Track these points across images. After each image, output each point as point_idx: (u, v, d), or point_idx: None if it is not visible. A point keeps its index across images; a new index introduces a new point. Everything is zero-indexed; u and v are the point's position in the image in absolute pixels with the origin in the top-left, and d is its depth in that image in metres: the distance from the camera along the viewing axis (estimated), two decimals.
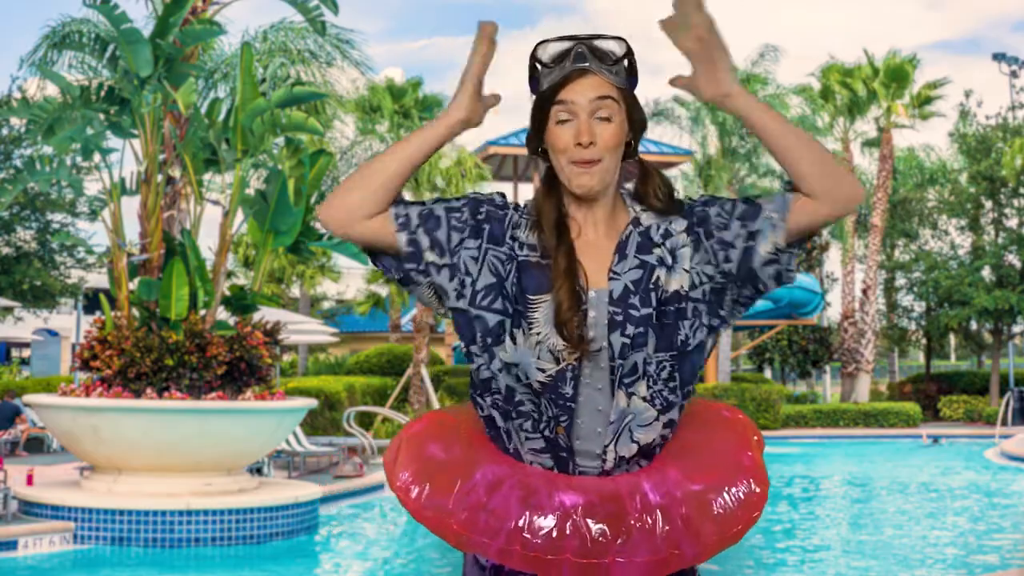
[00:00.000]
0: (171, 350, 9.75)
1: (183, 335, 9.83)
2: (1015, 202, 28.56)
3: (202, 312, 10.22)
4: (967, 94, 31.06)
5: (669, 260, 1.95)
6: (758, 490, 1.96)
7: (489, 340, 1.95)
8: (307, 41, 13.47)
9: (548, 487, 1.90)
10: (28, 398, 10.63)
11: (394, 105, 26.95)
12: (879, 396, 31.56)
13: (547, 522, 1.85)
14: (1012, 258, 27.73)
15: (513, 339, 1.92)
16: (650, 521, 1.87)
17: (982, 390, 29.42)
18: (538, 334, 1.91)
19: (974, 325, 30.62)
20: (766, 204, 1.95)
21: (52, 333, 29.60)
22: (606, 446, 1.94)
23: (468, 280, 1.96)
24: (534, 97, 1.98)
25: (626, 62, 1.95)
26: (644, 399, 1.93)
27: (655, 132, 27.00)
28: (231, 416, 9.73)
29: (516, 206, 2.02)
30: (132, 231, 10.63)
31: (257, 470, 12.62)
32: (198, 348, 9.82)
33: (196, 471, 9.60)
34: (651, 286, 1.94)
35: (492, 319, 1.94)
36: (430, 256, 1.96)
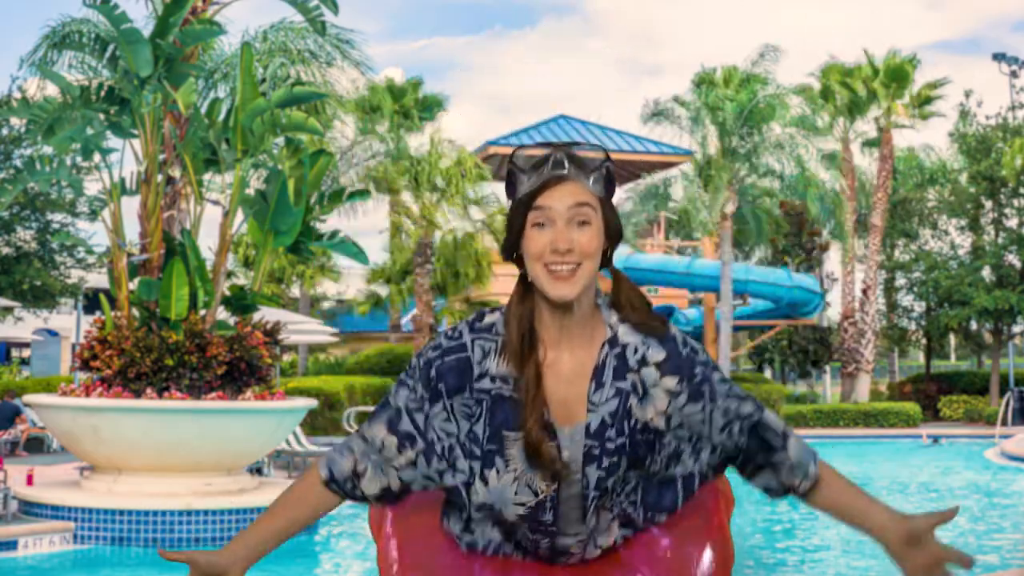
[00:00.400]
0: (171, 350, 9.75)
1: (183, 335, 9.83)
2: (1015, 202, 28.56)
3: (202, 312, 10.22)
4: (967, 94, 31.09)
5: (640, 390, 1.94)
6: (725, 559, 2.09)
7: (468, 503, 1.99)
8: (307, 41, 13.46)
9: None
10: (28, 398, 10.63)
11: (394, 105, 26.96)
12: (879, 396, 31.57)
13: None
14: (1012, 258, 27.74)
15: (485, 481, 1.93)
16: None
17: (982, 390, 29.43)
18: (515, 470, 1.92)
19: (974, 325, 30.64)
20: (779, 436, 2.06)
21: (52, 333, 29.61)
22: (571, 554, 2.02)
23: (453, 442, 1.97)
24: (510, 203, 1.98)
25: (604, 170, 1.95)
26: (608, 509, 1.99)
27: (655, 132, 27.01)
28: (231, 416, 9.73)
29: (486, 330, 1.98)
30: (132, 231, 10.64)
31: (257, 470, 12.62)
32: (198, 348, 9.82)
33: (196, 471, 9.60)
34: (624, 414, 1.93)
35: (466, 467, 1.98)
36: (402, 459, 2.00)
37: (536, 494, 1.92)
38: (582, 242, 1.89)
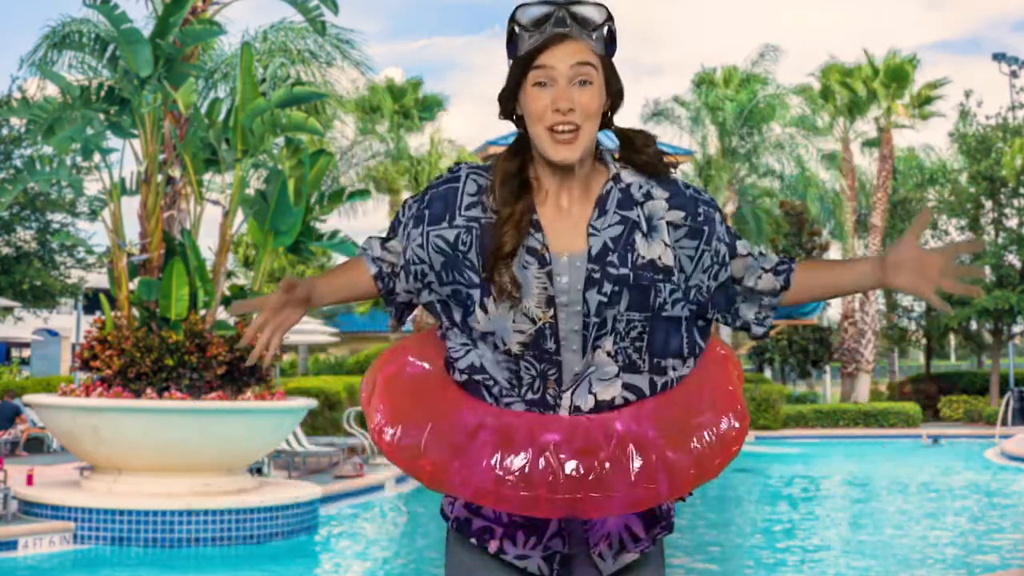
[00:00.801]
0: (171, 350, 9.75)
1: (183, 335, 9.83)
2: (1015, 202, 28.56)
3: (202, 312, 10.22)
4: (967, 94, 31.06)
5: (645, 225, 1.94)
6: (737, 425, 1.95)
7: (458, 318, 1.95)
8: (307, 41, 13.47)
9: (526, 428, 1.88)
10: (28, 398, 10.63)
11: (394, 105, 26.96)
12: (879, 396, 31.56)
13: (519, 461, 1.84)
14: (1012, 258, 27.74)
15: (484, 308, 1.90)
16: (624, 456, 1.85)
17: (982, 390, 29.43)
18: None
19: (974, 325, 30.63)
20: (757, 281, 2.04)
21: (52, 333, 29.61)
22: (562, 391, 1.91)
23: (425, 268, 1.98)
24: (511, 61, 1.95)
25: (606, 29, 1.92)
26: (608, 353, 1.90)
27: (655, 132, 26.89)
28: (231, 416, 9.73)
29: (485, 169, 2.00)
30: (132, 231, 10.64)
31: (257, 470, 12.62)
32: (198, 348, 9.82)
33: (196, 471, 9.60)
34: (628, 242, 1.92)
35: (460, 292, 1.94)
36: (389, 265, 2.04)
37: (533, 321, 1.89)
38: (584, 102, 1.88)
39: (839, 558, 9.75)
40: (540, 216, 1.93)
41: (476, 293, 1.92)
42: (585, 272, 1.89)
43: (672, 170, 2.02)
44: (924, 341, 33.02)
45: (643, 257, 1.91)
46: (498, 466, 1.84)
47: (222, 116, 10.67)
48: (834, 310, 34.23)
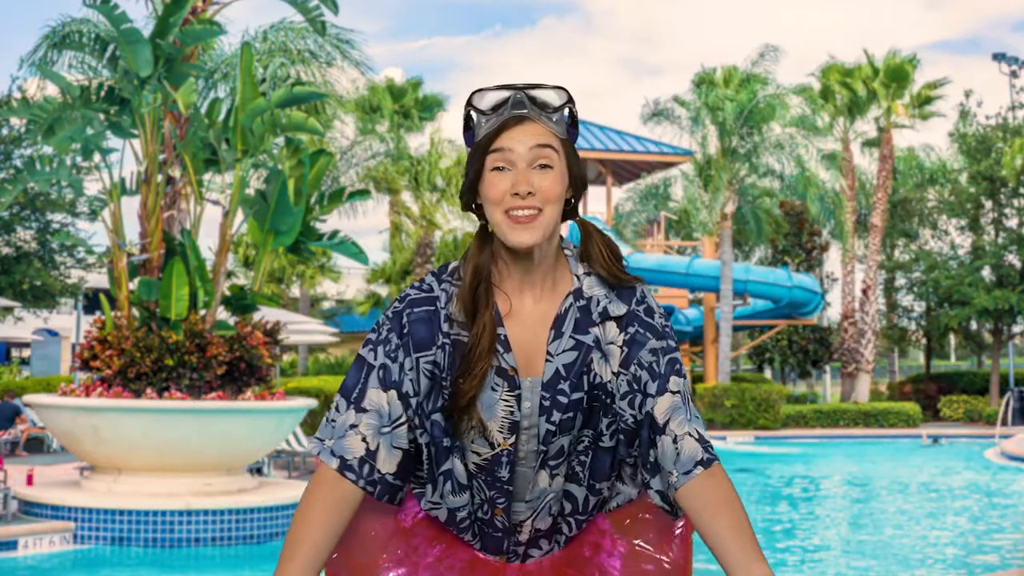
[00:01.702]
0: (171, 350, 9.75)
1: (183, 335, 9.83)
2: (1015, 202, 28.57)
3: (202, 312, 10.22)
4: (967, 94, 31.08)
5: (602, 346, 1.85)
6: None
7: (432, 464, 1.89)
8: (307, 41, 13.46)
9: None
10: (28, 398, 10.63)
11: (394, 105, 26.96)
12: (879, 396, 31.57)
13: None
14: (1012, 258, 27.74)
15: (448, 427, 1.85)
16: None
17: (982, 390, 29.44)
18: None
19: (974, 325, 30.64)
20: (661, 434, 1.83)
21: (52, 333, 29.59)
22: (522, 522, 1.90)
23: (420, 399, 1.85)
24: (468, 149, 1.87)
25: (566, 111, 1.84)
26: (563, 476, 1.88)
27: (655, 132, 27.00)
28: (231, 416, 9.73)
29: (450, 274, 1.89)
30: (132, 231, 10.64)
31: (257, 470, 12.62)
32: (198, 348, 9.82)
33: (196, 471, 9.60)
34: (584, 369, 1.83)
35: (441, 421, 1.85)
36: (400, 409, 1.86)
37: (492, 447, 1.83)
38: (544, 186, 1.79)
39: (839, 558, 9.75)
40: (508, 330, 1.84)
41: (440, 415, 1.85)
42: (538, 399, 1.83)
43: (640, 281, 1.90)
44: (924, 341, 33.02)
45: (599, 378, 1.84)
46: None
47: (222, 116, 10.67)
48: (834, 310, 34.25)
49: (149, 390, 9.65)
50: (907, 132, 39.49)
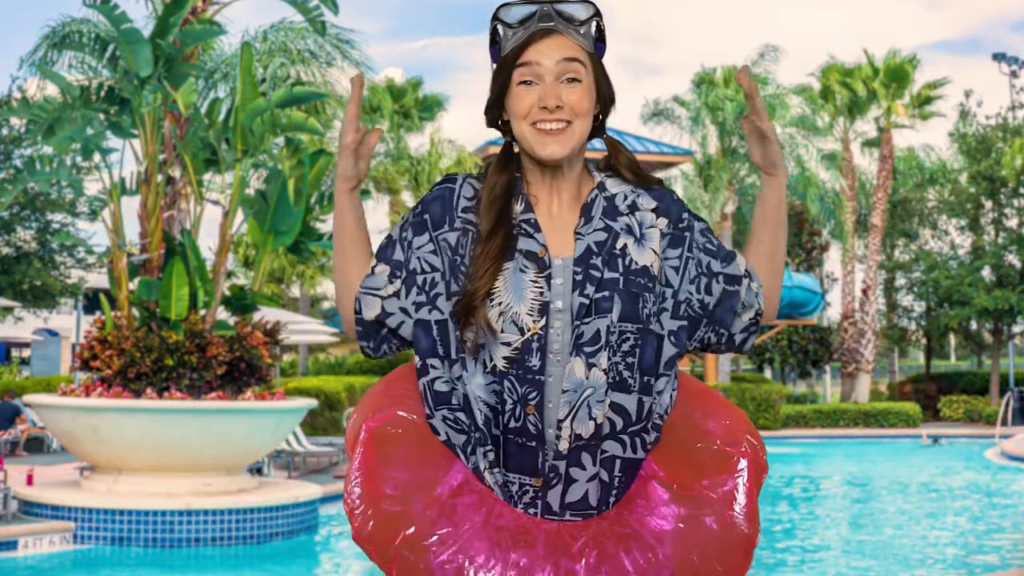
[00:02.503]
0: (171, 350, 9.75)
1: (183, 335, 9.83)
2: (1015, 202, 28.57)
3: (202, 312, 10.22)
4: (967, 94, 31.09)
5: (637, 232, 1.85)
6: (749, 531, 1.86)
7: (453, 340, 1.82)
8: (307, 41, 13.47)
9: (500, 548, 1.76)
10: (28, 398, 10.63)
11: (394, 105, 26.97)
12: (879, 396, 31.56)
13: None
14: (1012, 258, 27.74)
15: (474, 351, 1.78)
16: None
17: (982, 390, 29.43)
18: (500, 304, 1.77)
19: (974, 325, 30.64)
20: (743, 278, 1.94)
21: (52, 333, 29.60)
22: (560, 421, 1.76)
23: (436, 276, 1.84)
24: (494, 64, 1.85)
25: (594, 25, 1.84)
26: (604, 371, 1.77)
27: (655, 132, 27.01)
28: (231, 416, 9.73)
29: (477, 176, 1.92)
30: (132, 231, 10.64)
31: (257, 470, 12.62)
32: (198, 348, 9.82)
33: (196, 471, 9.60)
34: (617, 251, 1.82)
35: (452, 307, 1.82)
36: (390, 288, 1.87)
37: (521, 332, 1.76)
38: (572, 100, 1.79)
39: (839, 558, 9.75)
40: (537, 216, 1.85)
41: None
42: (571, 276, 1.80)
43: (661, 183, 1.94)
44: (924, 341, 33.01)
45: (636, 262, 1.82)
46: None
47: (222, 116, 10.67)
48: (834, 310, 34.24)
49: (149, 390, 9.65)
50: (907, 132, 39.54)
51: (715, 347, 1.95)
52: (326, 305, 37.96)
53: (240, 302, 10.64)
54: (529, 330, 1.77)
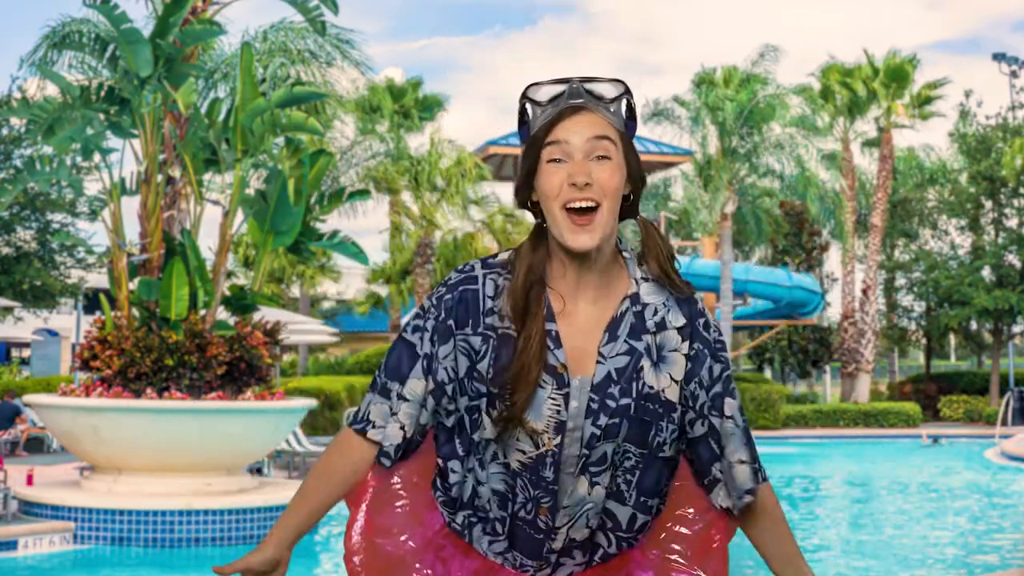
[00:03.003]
0: (171, 350, 9.75)
1: (183, 335, 9.83)
2: (1015, 202, 28.57)
3: (202, 312, 10.22)
4: (967, 94, 31.09)
5: (655, 355, 1.81)
6: None
7: (465, 437, 1.86)
8: (307, 41, 13.46)
9: None
10: (28, 398, 10.63)
11: (394, 105, 26.95)
12: (879, 396, 31.56)
13: None
14: (1012, 258, 27.74)
15: (490, 415, 1.80)
16: None
17: (982, 390, 29.43)
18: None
19: (974, 325, 30.64)
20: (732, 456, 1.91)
21: (52, 333, 29.59)
22: (557, 528, 1.83)
23: (456, 385, 1.85)
24: (523, 144, 1.84)
25: (624, 103, 1.83)
26: (604, 487, 1.82)
27: (655, 132, 27.01)
28: (231, 416, 9.73)
29: (501, 266, 1.86)
30: (132, 231, 10.64)
31: (257, 470, 12.62)
32: (198, 348, 9.82)
33: (196, 471, 9.60)
34: (634, 375, 1.79)
35: (472, 404, 1.83)
36: (413, 407, 1.87)
37: (537, 447, 1.78)
38: (602, 178, 1.76)
39: (839, 558, 9.75)
40: (559, 327, 1.80)
41: (483, 403, 1.81)
42: (586, 400, 1.79)
43: (694, 292, 1.89)
44: (924, 341, 33.01)
45: (649, 387, 1.80)
46: None
47: (222, 116, 10.67)
48: (834, 310, 34.25)
49: (149, 390, 9.65)
50: (907, 132, 39.51)
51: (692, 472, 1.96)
52: (326, 305, 37.98)
53: (240, 302, 10.64)
54: (544, 446, 1.79)
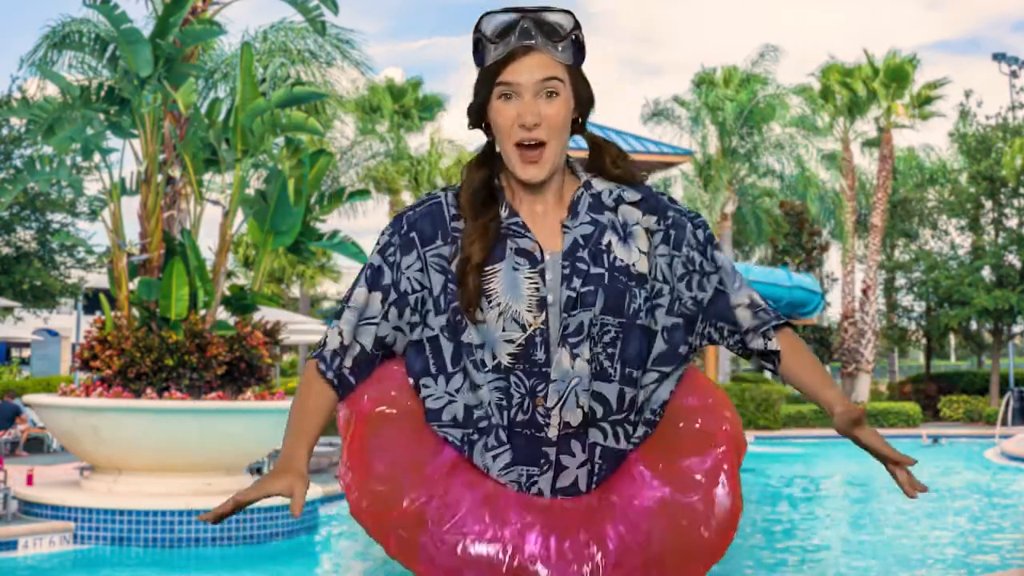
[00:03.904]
0: (171, 350, 9.75)
1: (183, 335, 9.83)
2: (1015, 202, 28.56)
3: (202, 312, 10.22)
4: (967, 94, 31.07)
5: (620, 231, 1.90)
6: (732, 507, 1.90)
7: (448, 355, 1.87)
8: (307, 41, 13.47)
9: (502, 513, 1.81)
10: (28, 398, 10.63)
11: (394, 105, 26.95)
12: (879, 396, 31.56)
13: (490, 551, 1.78)
14: (1012, 258, 27.73)
15: (474, 321, 1.84)
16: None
17: (982, 390, 29.42)
18: (499, 304, 1.83)
19: (974, 325, 30.63)
20: (737, 301, 1.97)
21: (52, 333, 29.60)
22: (549, 409, 1.83)
23: (425, 295, 1.89)
24: (478, 69, 1.90)
25: (573, 37, 1.87)
26: (587, 361, 1.83)
27: (655, 132, 27.01)
28: (231, 416, 9.73)
29: (456, 188, 1.96)
30: (132, 231, 10.64)
31: (257, 470, 12.61)
32: (198, 348, 9.82)
33: (196, 471, 9.60)
34: (602, 247, 1.87)
35: (456, 315, 1.86)
36: (381, 311, 1.90)
37: (524, 328, 1.82)
38: (550, 115, 1.84)
39: (839, 558, 9.75)
40: (525, 219, 1.89)
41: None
42: (560, 269, 1.85)
43: (644, 176, 1.98)
44: (924, 341, 33.00)
45: (620, 260, 1.87)
46: (467, 551, 1.79)
47: (222, 116, 10.67)
48: (834, 310, 34.23)
49: (149, 390, 9.65)
50: (907, 132, 39.52)
51: (723, 342, 1.99)
52: (326, 305, 37.97)
53: (240, 302, 10.64)
54: (531, 325, 1.82)
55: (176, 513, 9.08)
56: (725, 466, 1.91)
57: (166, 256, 10.36)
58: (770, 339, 1.96)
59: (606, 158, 1.95)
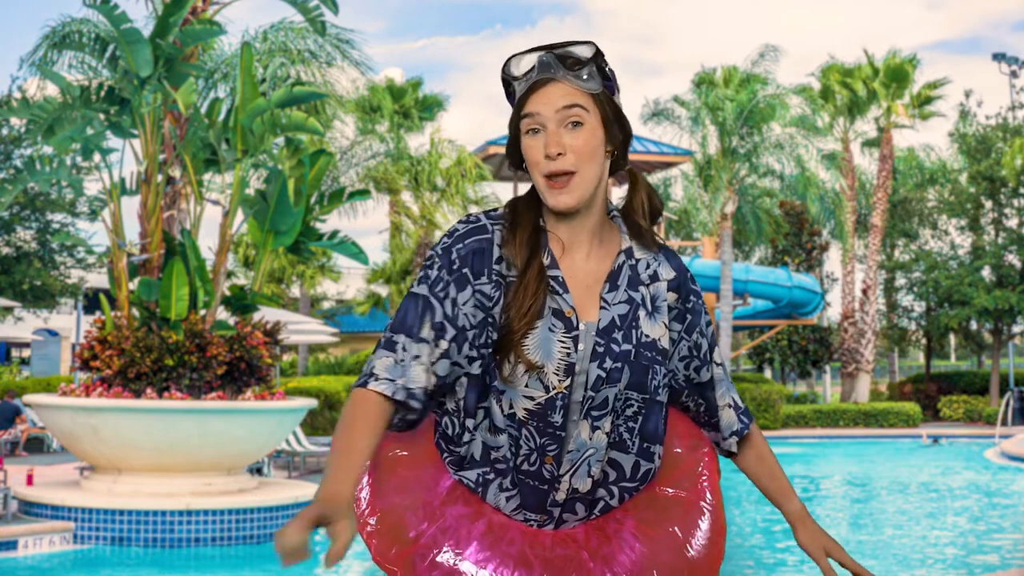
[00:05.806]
0: (171, 350, 9.75)
1: (183, 335, 9.83)
2: (1015, 202, 28.56)
3: (202, 312, 10.22)
4: (967, 94, 31.11)
5: (649, 305, 1.93)
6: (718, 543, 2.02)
7: (475, 392, 1.88)
8: (307, 41, 13.46)
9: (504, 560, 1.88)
10: (28, 398, 10.63)
11: (394, 105, 26.94)
12: (879, 396, 31.56)
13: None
14: (1012, 258, 27.74)
15: (503, 376, 1.84)
16: None
17: (982, 390, 29.43)
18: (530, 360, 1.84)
19: (974, 325, 30.63)
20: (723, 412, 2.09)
21: (52, 333, 29.59)
22: (560, 476, 1.88)
23: (476, 332, 1.88)
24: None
25: (595, 65, 1.87)
26: (606, 434, 1.88)
27: (655, 132, 27.00)
28: (231, 416, 9.73)
29: (501, 217, 1.94)
30: (132, 231, 10.64)
31: (257, 470, 12.62)
32: (198, 348, 9.82)
33: (196, 471, 9.60)
34: (633, 324, 1.89)
35: (486, 353, 1.87)
36: (442, 347, 1.85)
37: (547, 389, 1.84)
38: (576, 144, 1.84)
39: None
40: (564, 274, 1.89)
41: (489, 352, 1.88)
42: (592, 344, 1.86)
43: (663, 246, 2.01)
44: (924, 341, 33.01)
45: (647, 336, 1.90)
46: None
47: (222, 116, 10.67)
48: (834, 310, 34.25)
49: (149, 390, 9.65)
50: (907, 132, 39.53)
51: (696, 419, 2.10)
52: (326, 305, 37.96)
53: (240, 302, 10.64)
54: (554, 389, 1.85)
55: (176, 513, 9.09)
56: (710, 484, 2.05)
57: (166, 256, 10.36)
58: (743, 444, 2.12)
59: (636, 202, 1.98)
